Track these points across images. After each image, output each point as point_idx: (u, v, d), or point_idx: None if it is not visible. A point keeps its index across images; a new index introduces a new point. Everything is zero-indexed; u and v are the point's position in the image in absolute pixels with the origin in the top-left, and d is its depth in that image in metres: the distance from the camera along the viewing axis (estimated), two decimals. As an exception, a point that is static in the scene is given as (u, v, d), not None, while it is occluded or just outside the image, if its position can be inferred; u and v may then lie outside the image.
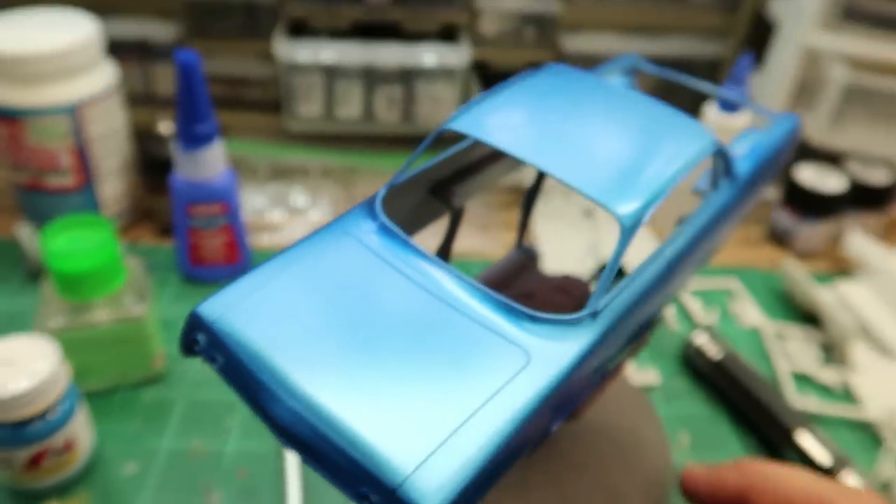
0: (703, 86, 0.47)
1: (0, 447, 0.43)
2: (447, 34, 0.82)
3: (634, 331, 0.33)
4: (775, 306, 0.68)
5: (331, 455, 0.24)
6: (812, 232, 0.74)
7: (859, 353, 0.61)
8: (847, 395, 0.59)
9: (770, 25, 0.82)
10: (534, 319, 0.28)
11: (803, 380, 0.60)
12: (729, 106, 0.69)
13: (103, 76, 0.62)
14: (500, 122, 0.33)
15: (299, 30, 0.80)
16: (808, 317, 0.66)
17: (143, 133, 0.68)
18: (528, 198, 0.45)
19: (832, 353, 0.63)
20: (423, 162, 0.37)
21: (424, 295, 0.29)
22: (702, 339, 0.59)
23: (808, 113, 0.79)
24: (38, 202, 0.64)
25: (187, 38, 0.80)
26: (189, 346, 0.29)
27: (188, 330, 0.29)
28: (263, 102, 0.85)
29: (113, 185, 0.66)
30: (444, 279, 0.30)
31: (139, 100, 0.82)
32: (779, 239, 0.77)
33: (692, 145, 0.34)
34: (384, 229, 0.32)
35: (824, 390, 0.59)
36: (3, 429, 0.42)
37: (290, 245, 0.31)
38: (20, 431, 0.42)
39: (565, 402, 0.28)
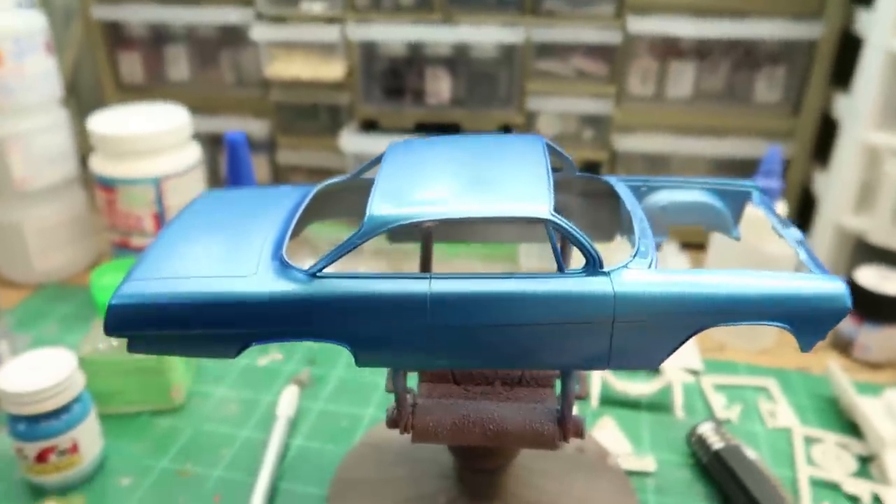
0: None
1: (15, 438, 0.50)
2: (505, 132, 0.89)
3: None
4: (817, 412, 0.62)
5: None
6: (873, 337, 0.68)
7: (898, 465, 0.54)
8: (878, 511, 0.52)
9: (834, 126, 0.80)
10: (285, 264, 0.37)
11: (830, 489, 0.54)
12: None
13: (185, 157, 0.74)
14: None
15: (371, 127, 0.91)
16: (853, 426, 0.60)
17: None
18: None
19: (870, 465, 0.56)
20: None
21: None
22: (705, 428, 0.56)
23: (870, 214, 0.74)
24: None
25: (277, 134, 0.94)
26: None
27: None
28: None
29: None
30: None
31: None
32: (842, 346, 0.71)
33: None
34: None
35: (852, 502, 0.53)
36: (19, 421, 0.50)
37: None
38: (33, 426, 0.50)
39: (263, 320, 0.36)
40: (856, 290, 0.69)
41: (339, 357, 0.69)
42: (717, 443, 0.54)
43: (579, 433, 0.42)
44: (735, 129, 0.86)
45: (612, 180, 0.46)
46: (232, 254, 0.38)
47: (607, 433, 0.58)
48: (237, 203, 0.45)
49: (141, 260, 0.39)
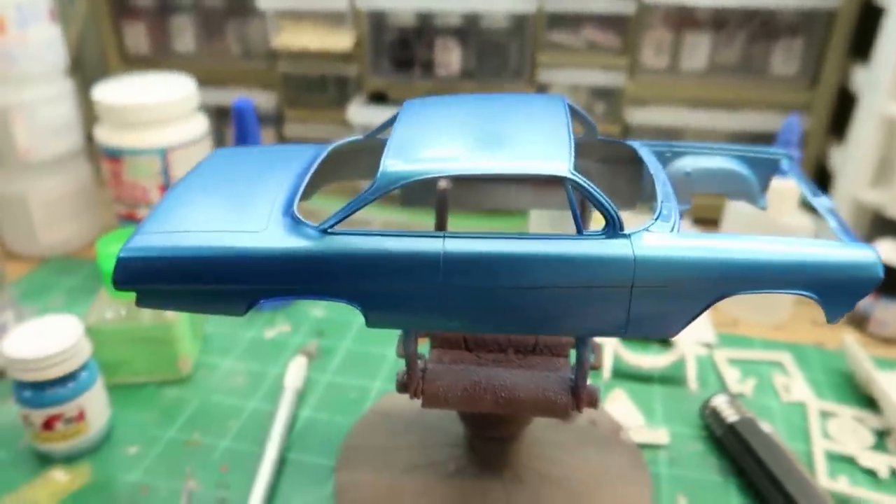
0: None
1: (21, 405, 0.50)
2: (514, 106, 0.87)
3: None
4: (832, 386, 0.61)
5: None
6: (890, 313, 0.67)
7: (916, 439, 0.53)
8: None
9: (852, 99, 0.78)
10: (296, 220, 0.36)
11: (846, 462, 0.53)
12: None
13: (192, 127, 0.73)
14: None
15: (379, 100, 0.89)
16: (869, 401, 0.59)
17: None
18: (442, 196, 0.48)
19: (887, 439, 0.55)
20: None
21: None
22: (719, 401, 0.55)
23: (888, 188, 0.73)
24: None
25: (284, 106, 0.92)
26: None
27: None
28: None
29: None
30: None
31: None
32: (857, 322, 0.70)
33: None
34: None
35: (869, 476, 0.52)
36: (26, 387, 0.49)
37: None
38: (40, 393, 0.49)
39: (275, 275, 0.35)
40: (873, 264, 0.68)
41: (347, 329, 0.68)
42: (731, 415, 0.53)
43: (593, 403, 0.41)
44: (751, 102, 0.84)
45: (636, 144, 0.45)
46: (242, 209, 0.37)
47: (619, 405, 0.57)
48: (250, 160, 0.44)
49: (151, 214, 0.38)
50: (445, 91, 0.87)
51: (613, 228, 0.35)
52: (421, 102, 0.42)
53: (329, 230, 0.35)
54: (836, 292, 0.35)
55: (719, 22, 0.82)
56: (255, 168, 0.42)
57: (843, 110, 0.81)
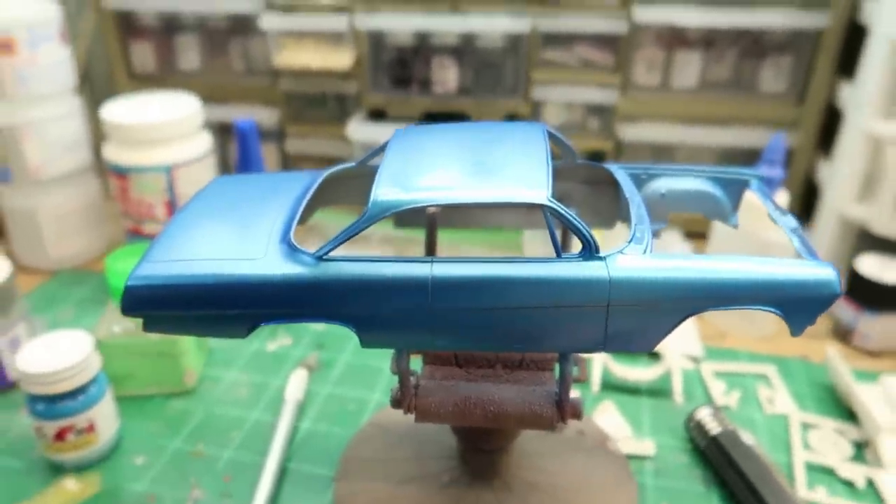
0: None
1: (34, 417, 0.52)
2: (511, 119, 0.90)
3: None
4: (815, 399, 0.63)
5: None
6: (872, 325, 0.69)
7: (893, 451, 0.55)
8: (873, 495, 0.53)
9: (839, 116, 0.80)
10: (292, 247, 0.38)
11: (825, 473, 0.55)
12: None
13: (196, 145, 0.76)
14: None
15: (378, 116, 0.92)
16: (850, 413, 0.61)
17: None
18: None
19: (865, 450, 0.57)
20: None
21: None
22: (703, 414, 0.57)
23: (873, 204, 0.75)
24: (139, 245, 0.78)
25: (286, 123, 0.95)
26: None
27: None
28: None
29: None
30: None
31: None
32: (842, 334, 0.72)
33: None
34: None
35: (847, 486, 0.54)
36: (39, 400, 0.52)
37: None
38: (52, 405, 0.52)
39: (272, 300, 0.37)
40: (856, 278, 0.70)
41: (346, 342, 0.70)
42: (714, 428, 0.55)
43: (577, 415, 0.43)
44: (740, 118, 0.86)
45: (613, 167, 0.47)
46: (242, 237, 0.40)
47: (608, 417, 0.59)
48: (248, 188, 0.46)
49: (156, 242, 0.41)
50: (443, 108, 0.89)
51: (589, 251, 0.37)
52: (409, 131, 0.45)
53: (324, 257, 0.37)
54: (798, 308, 0.37)
55: (709, 41, 0.84)
56: (254, 195, 0.45)
57: (830, 126, 0.83)
